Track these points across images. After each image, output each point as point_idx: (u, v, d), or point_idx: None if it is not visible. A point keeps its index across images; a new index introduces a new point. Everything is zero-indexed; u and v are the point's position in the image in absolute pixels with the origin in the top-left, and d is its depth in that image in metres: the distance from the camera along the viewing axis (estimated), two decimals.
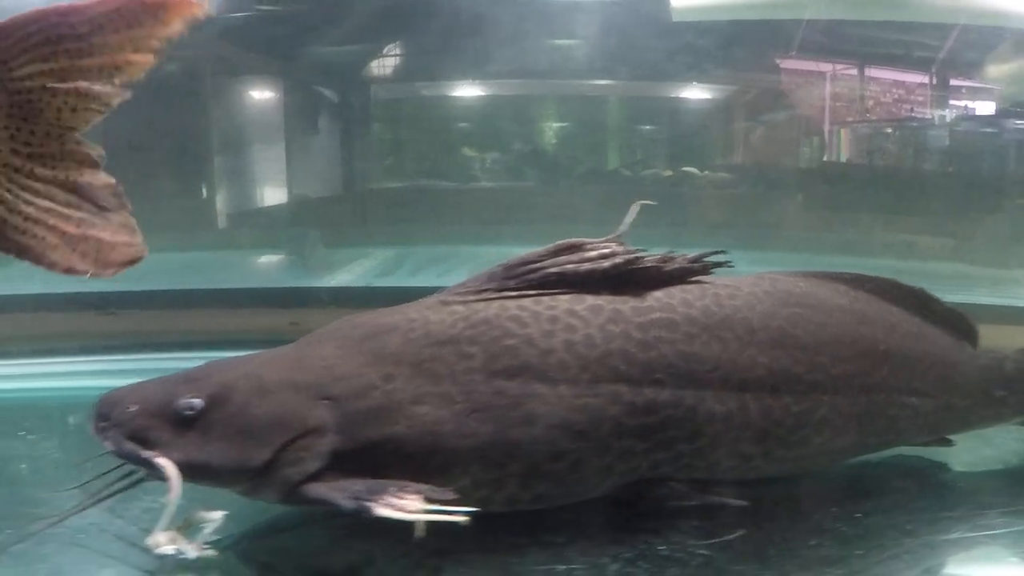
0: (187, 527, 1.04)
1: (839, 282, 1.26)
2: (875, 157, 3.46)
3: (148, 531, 1.10)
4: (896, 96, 3.41)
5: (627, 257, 1.12)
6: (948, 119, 3.30)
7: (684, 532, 1.10)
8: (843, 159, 3.46)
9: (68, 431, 1.69)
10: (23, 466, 1.47)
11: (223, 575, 1.04)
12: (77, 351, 2.27)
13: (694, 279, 1.16)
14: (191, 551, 1.00)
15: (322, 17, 3.22)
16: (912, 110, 3.38)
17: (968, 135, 3.27)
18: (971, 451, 1.42)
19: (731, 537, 1.09)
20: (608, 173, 3.66)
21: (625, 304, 1.10)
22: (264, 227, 3.34)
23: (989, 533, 1.19)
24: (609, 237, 1.15)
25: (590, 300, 1.09)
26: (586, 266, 1.11)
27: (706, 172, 3.57)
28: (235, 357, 1.14)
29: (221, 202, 3.37)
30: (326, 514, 1.13)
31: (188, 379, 1.08)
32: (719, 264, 1.17)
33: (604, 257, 1.12)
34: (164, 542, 1.00)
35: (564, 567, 1.02)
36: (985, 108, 3.26)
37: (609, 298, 1.10)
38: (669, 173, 3.68)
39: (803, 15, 2.98)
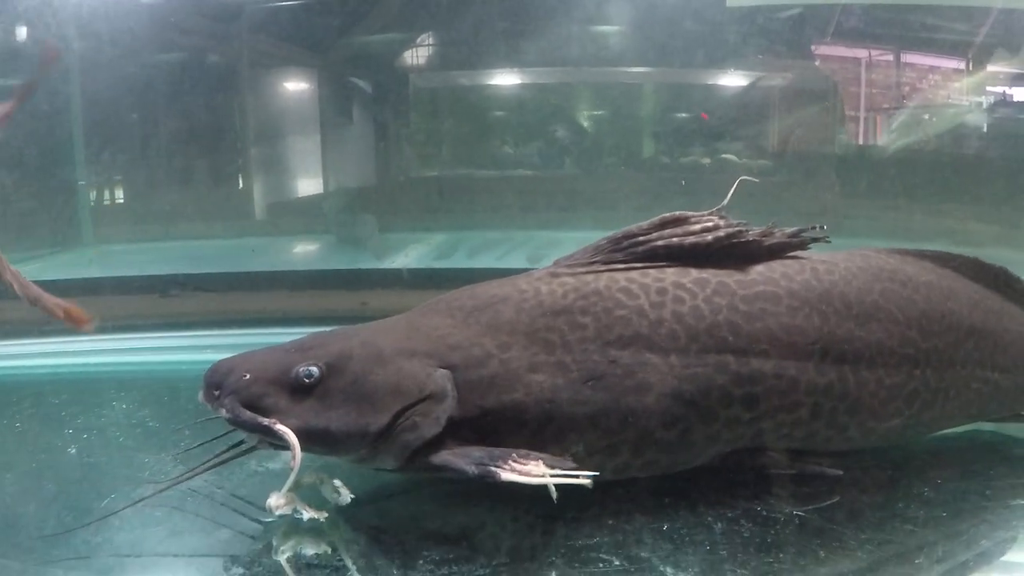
0: (300, 489, 1.08)
1: (926, 259, 1.29)
2: (914, 143, 3.44)
3: (254, 496, 1.14)
4: (933, 82, 3.37)
5: (729, 231, 1.15)
6: (985, 105, 3.32)
7: (782, 498, 1.13)
8: (880, 144, 3.44)
9: (157, 401, 1.69)
10: (121, 434, 1.51)
11: (335, 537, 1.08)
12: (150, 328, 2.34)
13: (793, 254, 1.19)
14: (307, 513, 1.04)
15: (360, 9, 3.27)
16: (949, 96, 3.34)
17: (1007, 121, 3.26)
18: None
19: (827, 504, 1.12)
20: (646, 160, 3.69)
21: (730, 277, 1.12)
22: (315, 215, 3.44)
23: None
24: (712, 211, 1.17)
25: (696, 273, 1.12)
26: (691, 239, 1.13)
27: (745, 159, 3.59)
28: (345, 327, 1.17)
29: (277, 191, 3.48)
30: (432, 481, 1.16)
31: (302, 347, 1.10)
32: (817, 239, 1.19)
33: (707, 231, 1.14)
34: (283, 504, 1.04)
35: (670, 525, 1.05)
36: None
37: (714, 271, 1.12)
38: (707, 160, 3.71)
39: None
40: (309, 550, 1.03)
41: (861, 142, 3.43)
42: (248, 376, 1.05)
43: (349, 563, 1.01)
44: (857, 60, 3.33)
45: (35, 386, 2.07)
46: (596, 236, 1.28)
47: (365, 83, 3.58)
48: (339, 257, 3.13)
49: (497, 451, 1.00)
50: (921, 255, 1.29)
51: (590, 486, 0.96)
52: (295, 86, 3.60)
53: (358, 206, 3.31)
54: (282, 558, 1.02)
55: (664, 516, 1.07)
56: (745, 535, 1.03)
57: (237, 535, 1.09)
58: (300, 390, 1.04)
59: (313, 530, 1.07)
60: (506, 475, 0.96)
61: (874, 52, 3.30)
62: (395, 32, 3.42)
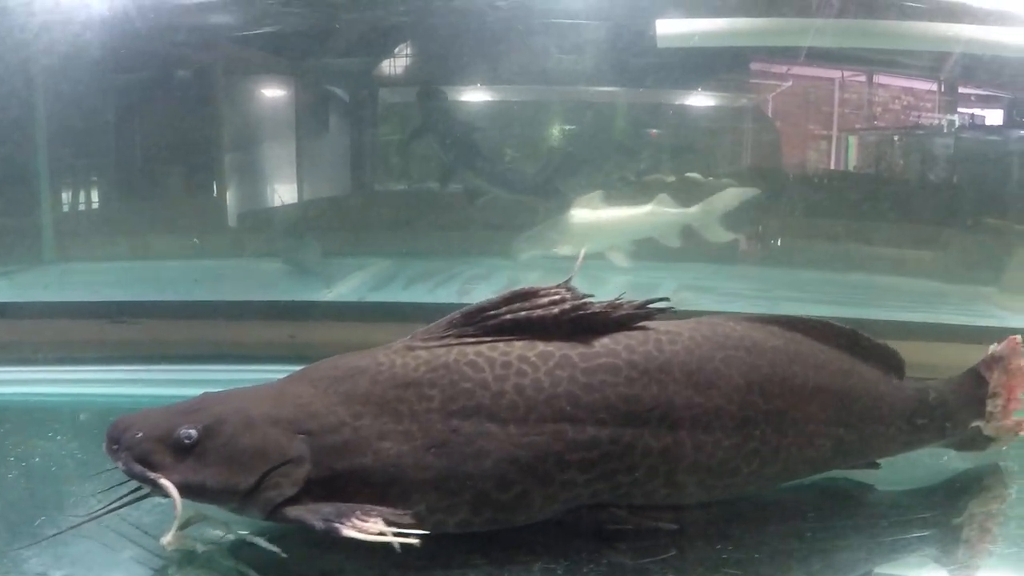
0: (188, 526, 1.25)
1: (774, 324, 1.38)
2: (881, 165, 3.50)
3: (158, 528, 1.29)
4: (905, 103, 3.43)
5: (575, 303, 1.24)
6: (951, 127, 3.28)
7: (620, 551, 1.24)
8: (851, 167, 3.51)
9: (89, 434, 1.88)
10: (53, 465, 1.69)
11: (216, 569, 1.23)
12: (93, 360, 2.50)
13: (639, 324, 1.28)
14: (195, 547, 1.23)
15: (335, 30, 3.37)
16: (919, 117, 3.39)
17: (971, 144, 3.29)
18: (899, 471, 1.56)
19: (663, 556, 1.23)
20: (611, 180, 3.74)
21: (574, 350, 1.22)
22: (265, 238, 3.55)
23: (881, 540, 1.36)
24: (559, 284, 1.27)
25: (541, 347, 1.22)
26: (538, 313, 1.23)
27: (710, 178, 3.64)
28: (226, 391, 1.30)
29: (233, 211, 3.58)
30: (305, 530, 1.28)
31: (186, 411, 1.23)
32: (662, 310, 1.29)
33: (554, 304, 1.24)
34: (174, 542, 1.21)
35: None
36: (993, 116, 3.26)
37: (559, 344, 1.23)
38: (672, 179, 3.78)
39: (802, 42, 3.06)
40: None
41: (832, 163, 3.50)
42: (140, 435, 1.19)
43: None
44: (830, 80, 3.40)
45: None
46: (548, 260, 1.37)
47: (338, 100, 3.69)
48: (284, 285, 3.20)
49: (345, 507, 1.12)
50: (770, 320, 1.39)
51: (419, 543, 1.07)
52: (270, 101, 3.71)
53: (303, 230, 3.43)
54: None
55: (503, 569, 1.19)
56: None
57: (145, 557, 1.27)
58: (181, 449, 1.17)
59: (207, 561, 1.23)
60: (346, 531, 1.08)
61: (846, 72, 3.37)
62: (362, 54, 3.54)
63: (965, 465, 1.64)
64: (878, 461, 1.48)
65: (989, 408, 1.54)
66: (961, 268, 2.89)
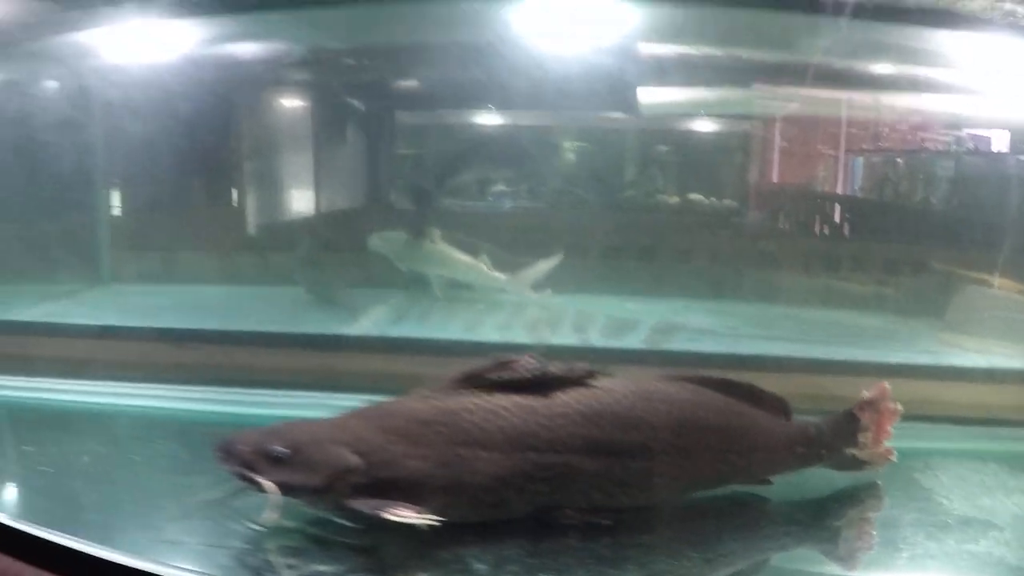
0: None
1: (686, 381, 1.94)
2: (885, 188, 3.73)
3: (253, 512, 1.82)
4: (911, 124, 3.63)
5: (543, 370, 1.81)
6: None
7: (570, 535, 1.80)
8: (856, 190, 3.76)
9: (180, 441, 2.37)
10: (164, 462, 2.23)
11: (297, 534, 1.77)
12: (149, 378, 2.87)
13: (588, 382, 1.85)
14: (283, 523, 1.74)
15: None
16: (923, 140, 3.62)
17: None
18: (792, 486, 2.06)
19: (598, 544, 1.79)
20: (615, 199, 4.08)
21: (538, 401, 1.78)
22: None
23: (768, 536, 1.89)
24: (529, 354, 1.84)
25: (516, 399, 1.78)
26: (515, 375, 1.81)
27: (712, 199, 4.05)
28: (300, 420, 1.88)
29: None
30: (356, 516, 1.86)
31: (275, 433, 1.78)
32: (607, 374, 1.85)
33: (527, 370, 1.81)
34: (269, 520, 1.70)
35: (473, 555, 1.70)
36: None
37: (527, 397, 1.79)
38: (676, 199, 4.07)
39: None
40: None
41: (839, 186, 3.74)
42: (246, 449, 1.76)
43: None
44: (835, 101, 3.56)
45: (89, 418, 2.77)
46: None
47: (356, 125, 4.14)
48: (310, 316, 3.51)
49: (384, 502, 1.68)
50: (683, 378, 1.94)
51: (436, 523, 1.64)
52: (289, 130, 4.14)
53: (325, 261, 3.77)
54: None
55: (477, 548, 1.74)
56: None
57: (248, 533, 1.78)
58: (275, 460, 1.74)
59: (291, 531, 1.77)
60: (387, 516, 1.65)
61: (852, 93, 3.49)
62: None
63: (848, 482, 2.09)
64: (770, 479, 2.03)
65: (861, 440, 2.07)
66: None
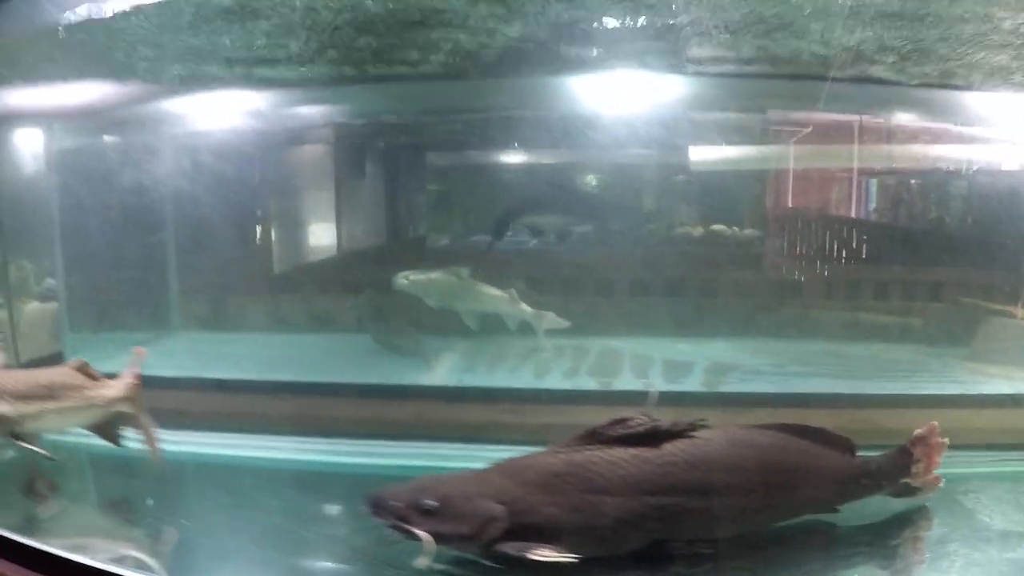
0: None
1: (769, 429, 2.28)
2: (900, 210, 3.85)
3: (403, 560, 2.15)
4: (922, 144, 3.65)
5: (651, 426, 2.15)
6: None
7: (677, 563, 2.14)
8: (871, 213, 3.85)
9: (303, 491, 2.64)
10: (299, 513, 2.45)
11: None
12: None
13: (688, 434, 2.20)
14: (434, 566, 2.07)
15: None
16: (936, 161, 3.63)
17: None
18: (854, 511, 2.39)
19: (701, 570, 2.13)
20: (641, 232, 4.14)
21: (651, 452, 2.12)
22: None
23: (837, 554, 2.23)
24: (641, 412, 2.19)
25: (632, 451, 2.12)
26: (629, 431, 2.15)
27: (734, 229, 4.24)
28: (443, 475, 2.20)
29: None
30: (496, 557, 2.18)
31: (422, 488, 2.11)
32: (705, 426, 2.20)
33: (640, 425, 2.16)
34: (424, 563, 2.01)
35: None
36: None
37: (642, 449, 2.13)
38: (700, 231, 4.15)
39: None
40: None
41: (853, 209, 3.83)
42: (398, 504, 2.09)
43: None
44: (848, 124, 3.60)
45: (205, 470, 2.90)
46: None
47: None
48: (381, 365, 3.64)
49: (526, 544, 2.02)
50: (767, 427, 2.29)
51: (572, 560, 1.98)
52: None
53: (390, 307, 3.88)
54: None
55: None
56: None
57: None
58: (426, 512, 2.07)
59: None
60: (531, 556, 1.99)
61: (865, 116, 3.54)
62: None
63: (902, 507, 2.37)
64: (837, 508, 2.38)
65: (914, 471, 2.42)
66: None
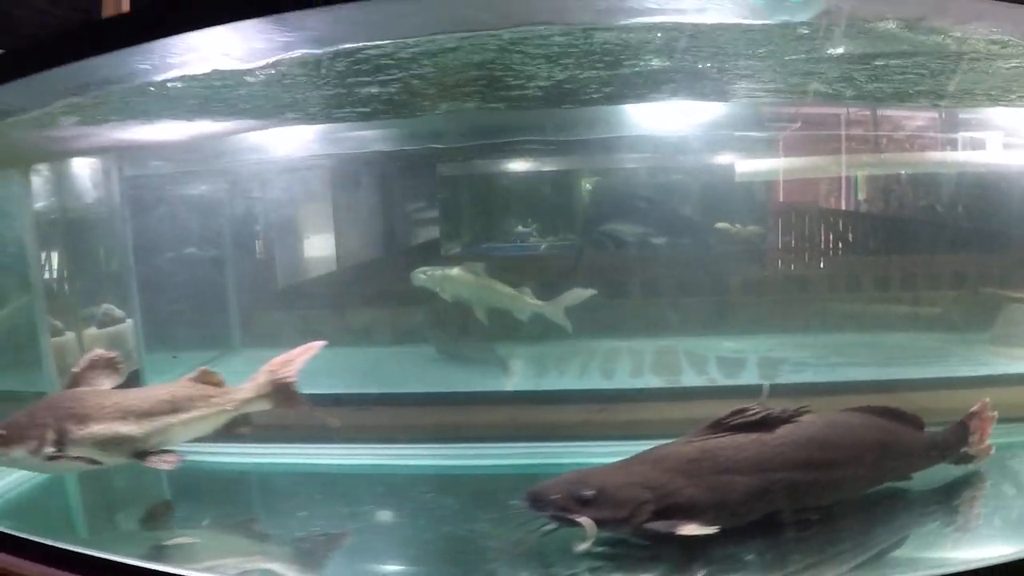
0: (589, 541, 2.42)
1: (856, 411, 2.70)
2: (891, 201, 3.96)
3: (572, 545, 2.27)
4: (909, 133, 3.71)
5: (767, 413, 2.56)
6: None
7: (789, 525, 2.55)
8: (861, 204, 3.95)
9: (446, 495, 2.87)
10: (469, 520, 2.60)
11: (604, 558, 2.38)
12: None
13: (795, 419, 2.61)
14: (593, 549, 2.43)
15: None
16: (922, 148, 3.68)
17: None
18: (922, 477, 2.82)
19: (810, 532, 2.54)
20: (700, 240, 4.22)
21: (768, 435, 2.51)
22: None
23: (911, 513, 2.58)
24: (756, 403, 2.59)
25: (752, 436, 2.51)
26: (747, 419, 2.56)
27: (737, 226, 4.23)
28: (592, 468, 2.56)
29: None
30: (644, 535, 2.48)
31: (577, 480, 2.47)
32: (808, 411, 2.61)
33: (756, 414, 2.56)
34: (584, 548, 2.34)
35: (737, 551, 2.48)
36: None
37: (760, 434, 2.53)
38: (746, 230, 4.17)
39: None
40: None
41: (843, 201, 3.97)
42: (557, 496, 2.44)
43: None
44: (835, 116, 3.62)
45: (328, 481, 3.06)
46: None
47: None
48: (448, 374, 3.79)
49: (672, 522, 2.41)
50: (854, 410, 2.71)
51: (712, 533, 2.37)
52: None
53: (451, 317, 3.96)
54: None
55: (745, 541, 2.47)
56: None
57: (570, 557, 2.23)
58: (584, 502, 2.43)
59: (597, 554, 2.27)
60: (678, 531, 2.38)
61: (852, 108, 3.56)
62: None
63: (959, 472, 2.69)
64: (911, 476, 2.81)
65: (970, 441, 2.86)
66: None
